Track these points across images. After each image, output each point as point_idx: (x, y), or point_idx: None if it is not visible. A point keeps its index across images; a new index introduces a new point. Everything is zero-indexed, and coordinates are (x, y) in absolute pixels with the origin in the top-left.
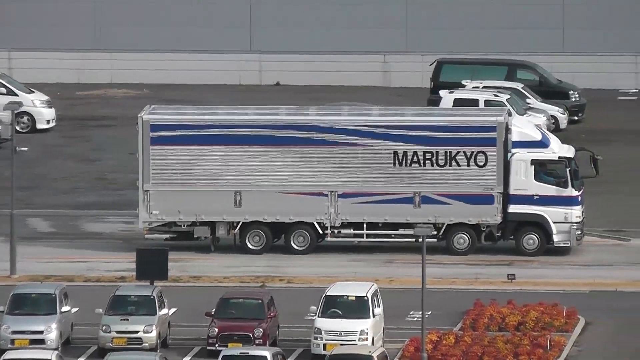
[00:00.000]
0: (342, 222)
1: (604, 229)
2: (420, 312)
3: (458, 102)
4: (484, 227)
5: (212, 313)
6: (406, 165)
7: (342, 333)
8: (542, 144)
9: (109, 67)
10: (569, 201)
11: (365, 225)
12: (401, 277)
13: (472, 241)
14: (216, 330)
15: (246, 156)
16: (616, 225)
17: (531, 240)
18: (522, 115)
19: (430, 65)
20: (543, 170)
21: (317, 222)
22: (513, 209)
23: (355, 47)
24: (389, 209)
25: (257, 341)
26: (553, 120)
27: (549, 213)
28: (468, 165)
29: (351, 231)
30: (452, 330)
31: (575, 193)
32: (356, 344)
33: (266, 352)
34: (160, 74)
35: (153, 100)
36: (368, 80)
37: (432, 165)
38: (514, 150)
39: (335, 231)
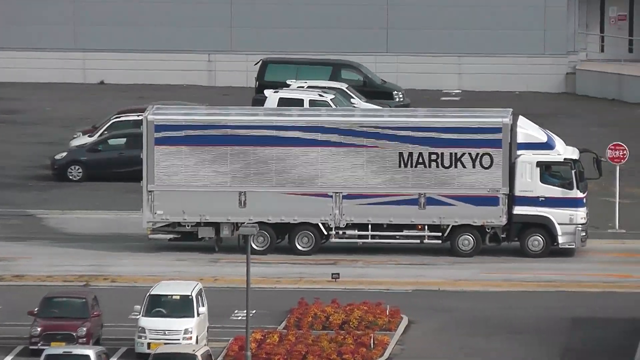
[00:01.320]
0: (347, 223)
1: None
2: (245, 311)
3: (283, 102)
4: (488, 229)
5: (35, 312)
6: (411, 166)
7: (166, 332)
8: (548, 145)
9: None
10: (574, 203)
11: (370, 226)
12: (226, 276)
13: (476, 242)
14: (39, 329)
15: (250, 157)
16: None
17: (536, 241)
18: None
19: (255, 64)
20: (548, 172)
21: (322, 223)
22: (518, 210)
23: (181, 46)
24: (393, 210)
25: (80, 340)
26: None
27: (554, 215)
28: (473, 166)
29: (356, 232)
30: (277, 329)
31: (580, 195)
32: (180, 343)
33: (89, 351)
34: None
35: None
36: (193, 79)
37: (438, 166)
38: (519, 152)
39: (340, 232)
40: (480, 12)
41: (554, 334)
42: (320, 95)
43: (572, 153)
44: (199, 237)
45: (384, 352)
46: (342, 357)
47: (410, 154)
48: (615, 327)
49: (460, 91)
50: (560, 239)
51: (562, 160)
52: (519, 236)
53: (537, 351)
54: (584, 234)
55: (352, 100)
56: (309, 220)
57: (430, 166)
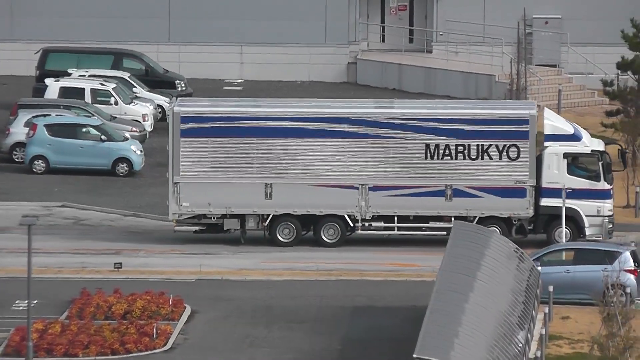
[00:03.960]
0: (373, 215)
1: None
2: (26, 301)
3: (64, 91)
4: (515, 221)
5: None
6: (438, 158)
7: None
8: (575, 137)
9: None
10: (601, 195)
11: (396, 218)
12: (6, 266)
13: (503, 234)
14: None
15: (277, 148)
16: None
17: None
18: (129, 104)
19: (36, 53)
20: (575, 163)
21: (348, 215)
22: (545, 202)
23: None
24: (420, 202)
25: None
26: (160, 110)
27: (581, 206)
28: (500, 158)
29: (382, 224)
30: (58, 320)
31: (607, 186)
32: None
33: None
34: None
35: None
36: None
37: (464, 158)
38: (546, 144)
39: (366, 224)
40: (262, 1)
41: (335, 322)
42: (102, 84)
43: (599, 145)
44: (225, 229)
45: (167, 341)
46: (125, 346)
47: (437, 146)
48: (396, 315)
49: (242, 81)
50: (587, 231)
51: (589, 152)
52: (546, 228)
53: (318, 340)
54: (611, 225)
55: (134, 89)
56: (335, 212)
57: (456, 158)
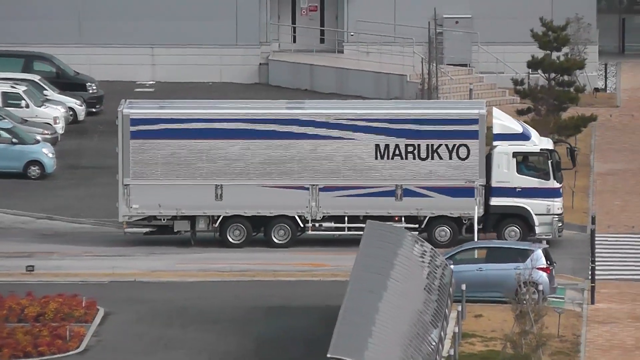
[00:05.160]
0: (324, 216)
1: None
2: None
3: None
4: (465, 220)
5: None
6: (388, 158)
7: None
8: (524, 136)
9: None
10: (550, 193)
11: (346, 218)
12: None
13: (453, 234)
14: None
15: (227, 150)
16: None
17: (513, 232)
18: (40, 107)
19: None
20: (525, 162)
21: (298, 216)
22: (495, 201)
23: None
24: (370, 202)
25: None
26: (71, 112)
27: (531, 205)
28: (450, 158)
29: (332, 224)
30: None
31: (557, 185)
32: None
33: None
34: None
35: None
36: None
37: (414, 158)
38: (495, 143)
39: (317, 224)
40: (173, 2)
41: (249, 323)
42: (13, 87)
43: (548, 143)
44: (175, 230)
45: (80, 343)
46: (38, 349)
47: (387, 146)
48: (310, 315)
49: (154, 82)
50: (537, 230)
51: (538, 150)
52: (496, 227)
53: (233, 340)
54: (561, 224)
55: (45, 92)
56: (285, 213)
57: (406, 158)
